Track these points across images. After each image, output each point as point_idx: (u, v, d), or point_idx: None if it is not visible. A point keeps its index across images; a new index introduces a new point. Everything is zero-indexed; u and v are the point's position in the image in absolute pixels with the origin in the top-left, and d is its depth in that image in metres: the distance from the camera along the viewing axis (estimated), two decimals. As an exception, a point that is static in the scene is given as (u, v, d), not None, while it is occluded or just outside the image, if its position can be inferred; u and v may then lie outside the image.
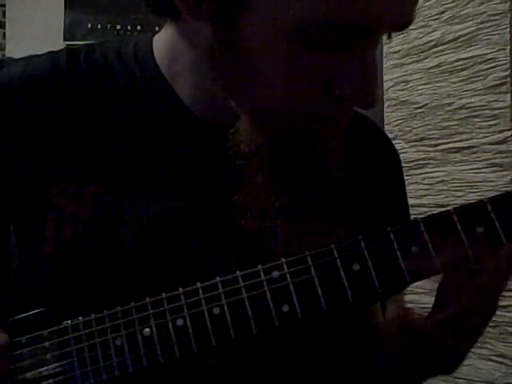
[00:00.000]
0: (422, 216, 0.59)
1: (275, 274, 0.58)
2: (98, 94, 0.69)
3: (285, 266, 0.58)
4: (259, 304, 0.58)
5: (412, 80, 1.78)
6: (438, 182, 1.67)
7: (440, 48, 1.68)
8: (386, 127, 1.86)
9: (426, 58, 1.73)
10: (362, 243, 0.58)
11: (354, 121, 0.64)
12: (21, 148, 0.67)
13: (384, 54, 1.78)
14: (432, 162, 1.69)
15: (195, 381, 0.66)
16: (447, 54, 1.65)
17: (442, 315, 0.60)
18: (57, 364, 0.61)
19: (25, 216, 0.67)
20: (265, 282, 0.58)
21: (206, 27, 0.58)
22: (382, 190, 0.78)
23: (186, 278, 0.61)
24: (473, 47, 1.57)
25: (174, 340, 0.59)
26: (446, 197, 1.64)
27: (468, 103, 1.58)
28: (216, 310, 0.58)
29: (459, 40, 1.61)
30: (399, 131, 1.81)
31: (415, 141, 1.76)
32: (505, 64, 1.48)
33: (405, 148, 1.76)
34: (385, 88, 1.83)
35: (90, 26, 2.65)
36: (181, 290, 0.60)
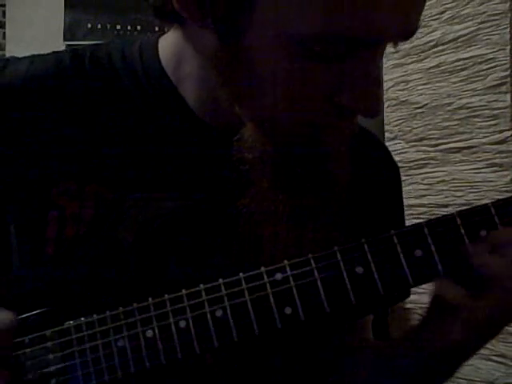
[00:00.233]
0: (422, 216, 0.59)
1: (278, 276, 0.58)
2: (101, 94, 0.69)
3: (288, 269, 0.58)
4: (262, 306, 0.58)
5: (412, 80, 1.78)
6: (438, 182, 1.67)
7: (440, 48, 1.68)
8: (386, 127, 1.86)
9: (426, 58, 1.73)
10: (366, 246, 0.58)
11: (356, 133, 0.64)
12: (23, 147, 0.67)
13: (384, 54, 1.78)
14: (432, 161, 1.69)
15: (197, 382, 0.66)
16: (447, 54, 1.66)
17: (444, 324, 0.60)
18: (59, 364, 0.61)
19: (26, 216, 0.67)
20: (268, 284, 0.58)
21: (210, 35, 0.58)
22: (379, 201, 0.78)
23: (188, 279, 0.61)
24: (473, 47, 1.57)
25: (176, 341, 0.59)
26: (446, 197, 1.64)
27: (468, 103, 1.58)
28: (218, 312, 0.58)
29: (459, 40, 1.62)
30: (399, 131, 1.81)
31: (415, 141, 1.76)
32: (505, 64, 1.48)
33: (405, 148, 1.76)
34: (385, 88, 1.83)
35: (89, 26, 2.64)
36: (183, 291, 0.60)
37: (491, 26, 1.52)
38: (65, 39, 2.64)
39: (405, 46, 1.78)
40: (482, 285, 0.56)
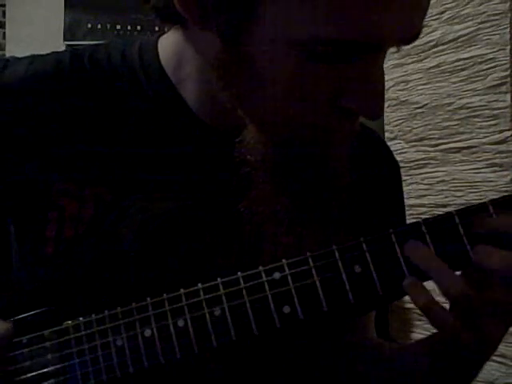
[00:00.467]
0: (422, 216, 0.59)
1: (276, 275, 0.58)
2: (101, 94, 0.69)
3: (286, 268, 0.58)
4: (260, 305, 0.58)
5: (412, 80, 1.78)
6: (438, 182, 1.67)
7: (440, 48, 1.68)
8: (386, 127, 1.86)
9: (426, 58, 1.73)
10: (364, 245, 0.58)
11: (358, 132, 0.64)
12: (23, 148, 0.67)
13: (384, 54, 1.78)
14: (432, 161, 1.69)
15: (196, 382, 0.66)
16: (447, 54, 1.65)
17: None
18: (58, 364, 0.61)
19: (26, 216, 0.67)
20: (266, 284, 0.58)
21: (212, 37, 0.58)
22: (380, 200, 0.78)
23: (187, 279, 0.61)
24: (473, 47, 1.57)
25: (174, 341, 0.59)
26: (446, 197, 1.64)
27: (468, 103, 1.58)
28: (217, 312, 0.58)
29: (459, 40, 1.61)
30: (399, 131, 1.81)
31: (415, 141, 1.76)
32: (505, 64, 1.48)
33: (405, 148, 1.76)
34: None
35: (89, 26, 2.64)
36: (182, 290, 0.60)
37: (491, 26, 1.52)
38: (65, 39, 2.65)
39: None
40: (486, 279, 0.56)
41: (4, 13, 2.71)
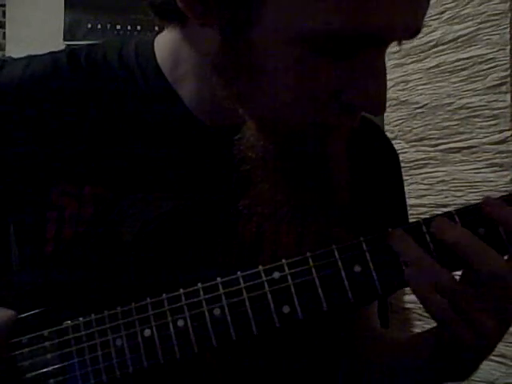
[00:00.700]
0: (422, 216, 0.59)
1: (276, 274, 0.58)
2: (98, 94, 0.69)
3: (286, 267, 0.58)
4: (260, 305, 0.58)
5: (412, 80, 1.78)
6: (438, 182, 1.67)
7: (440, 48, 1.68)
8: (386, 127, 1.86)
9: (426, 58, 1.73)
10: (364, 244, 0.58)
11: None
12: (21, 148, 0.67)
13: (384, 54, 1.78)
14: (432, 161, 1.69)
15: (196, 381, 0.66)
16: (447, 54, 1.65)
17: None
18: (57, 364, 0.61)
19: (25, 216, 0.67)
20: (266, 283, 0.58)
21: (213, 34, 0.58)
22: (381, 192, 0.78)
23: (187, 279, 0.61)
24: (473, 47, 1.57)
25: (174, 341, 0.59)
26: (446, 197, 1.64)
27: (468, 103, 1.58)
28: (217, 311, 0.58)
29: (459, 40, 1.61)
30: (399, 131, 1.81)
31: (415, 141, 1.76)
32: (505, 64, 1.47)
33: (405, 148, 1.76)
34: (385, 88, 1.83)
35: (89, 26, 2.64)
36: (181, 290, 0.60)
37: (491, 26, 1.51)
38: (65, 39, 2.64)
39: (405, 45, 1.77)
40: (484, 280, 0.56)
41: (4, 13, 2.70)
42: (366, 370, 0.77)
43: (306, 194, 0.63)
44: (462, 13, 1.60)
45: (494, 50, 1.50)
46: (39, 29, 2.61)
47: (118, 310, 0.61)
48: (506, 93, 1.47)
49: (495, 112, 1.50)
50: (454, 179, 1.62)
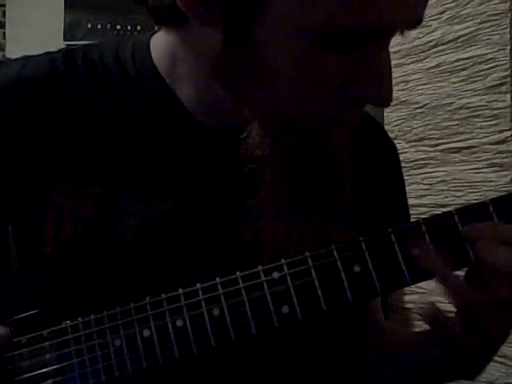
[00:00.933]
0: (422, 216, 0.59)
1: (275, 274, 0.58)
2: (96, 95, 0.69)
3: (285, 267, 0.58)
4: (259, 305, 0.58)
5: (412, 80, 1.78)
6: (438, 182, 1.67)
7: (440, 48, 1.68)
8: (386, 127, 1.86)
9: (426, 58, 1.73)
10: (363, 244, 0.57)
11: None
12: (19, 149, 0.67)
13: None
14: (432, 161, 1.69)
15: (195, 381, 0.66)
16: (447, 54, 1.65)
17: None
18: (56, 365, 0.61)
19: (24, 217, 0.67)
20: (265, 283, 0.58)
21: (213, 34, 0.58)
22: (383, 188, 0.78)
23: (186, 279, 0.61)
24: (473, 47, 1.57)
25: (173, 341, 0.59)
26: (446, 197, 1.64)
27: (468, 103, 1.58)
28: (216, 311, 0.58)
29: (459, 40, 1.61)
30: (399, 131, 1.81)
31: (415, 141, 1.76)
32: (505, 64, 1.47)
33: (405, 148, 1.76)
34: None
35: (89, 26, 2.64)
36: (180, 290, 0.60)
37: (491, 26, 1.51)
38: (65, 39, 2.64)
39: (405, 45, 1.78)
40: (488, 277, 0.56)
41: (4, 13, 2.71)
42: (372, 366, 0.76)
43: (313, 190, 0.63)
44: (462, 13, 1.60)
45: (494, 50, 1.50)
46: (39, 29, 2.61)
47: (117, 310, 0.61)
48: (506, 93, 1.47)
49: (495, 112, 1.50)
50: (453, 179, 1.62)
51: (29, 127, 0.68)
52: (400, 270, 0.57)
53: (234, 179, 0.66)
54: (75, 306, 0.63)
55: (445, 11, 1.66)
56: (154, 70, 0.69)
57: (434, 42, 1.69)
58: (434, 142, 1.69)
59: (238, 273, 0.59)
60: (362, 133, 0.65)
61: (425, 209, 1.67)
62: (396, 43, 1.75)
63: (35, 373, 0.61)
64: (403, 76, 1.80)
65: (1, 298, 0.65)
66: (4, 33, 2.71)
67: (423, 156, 1.72)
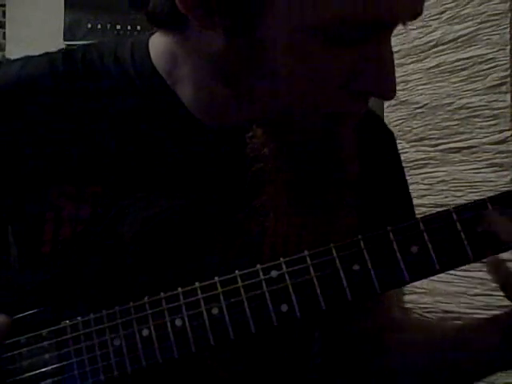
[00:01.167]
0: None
1: (274, 273, 0.58)
2: (94, 95, 0.69)
3: (284, 266, 0.58)
4: (258, 304, 0.58)
5: (412, 80, 1.78)
6: (438, 182, 1.67)
7: (440, 48, 1.68)
8: (386, 127, 1.86)
9: (426, 58, 1.73)
10: (362, 243, 0.57)
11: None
12: (19, 149, 0.67)
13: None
14: (432, 161, 1.69)
15: (194, 381, 0.66)
16: (447, 54, 1.65)
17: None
18: (55, 364, 0.61)
19: (23, 216, 0.67)
20: (263, 282, 0.58)
21: (214, 36, 0.58)
22: (385, 182, 0.78)
23: (186, 278, 0.61)
24: (473, 47, 1.57)
25: (172, 340, 0.59)
26: (446, 197, 1.64)
27: (468, 103, 1.58)
28: (215, 310, 0.58)
29: (459, 40, 1.61)
30: (399, 131, 1.81)
31: (415, 141, 1.75)
32: (505, 64, 1.47)
33: (405, 148, 1.76)
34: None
35: (89, 26, 2.64)
36: (179, 289, 0.60)
37: (491, 26, 1.51)
38: (65, 39, 2.65)
39: (405, 45, 1.78)
40: None
41: (4, 13, 2.71)
42: (402, 364, 0.75)
43: (319, 185, 0.63)
44: (462, 13, 1.60)
45: (494, 50, 1.50)
46: (39, 29, 2.61)
47: (116, 309, 0.61)
48: (506, 93, 1.47)
49: (495, 112, 1.50)
50: (453, 179, 1.62)
51: (28, 127, 0.68)
52: (399, 269, 0.57)
53: (236, 178, 0.66)
54: (74, 305, 0.63)
55: (445, 11, 1.66)
56: (153, 69, 0.69)
57: (434, 42, 1.69)
58: (434, 142, 1.69)
59: (236, 272, 0.59)
60: (362, 125, 0.66)
61: (425, 209, 1.67)
62: (396, 43, 1.74)
63: (34, 372, 0.61)
64: (403, 76, 1.80)
65: (0, 297, 0.65)
66: (4, 33, 2.71)
67: (423, 156, 1.72)
